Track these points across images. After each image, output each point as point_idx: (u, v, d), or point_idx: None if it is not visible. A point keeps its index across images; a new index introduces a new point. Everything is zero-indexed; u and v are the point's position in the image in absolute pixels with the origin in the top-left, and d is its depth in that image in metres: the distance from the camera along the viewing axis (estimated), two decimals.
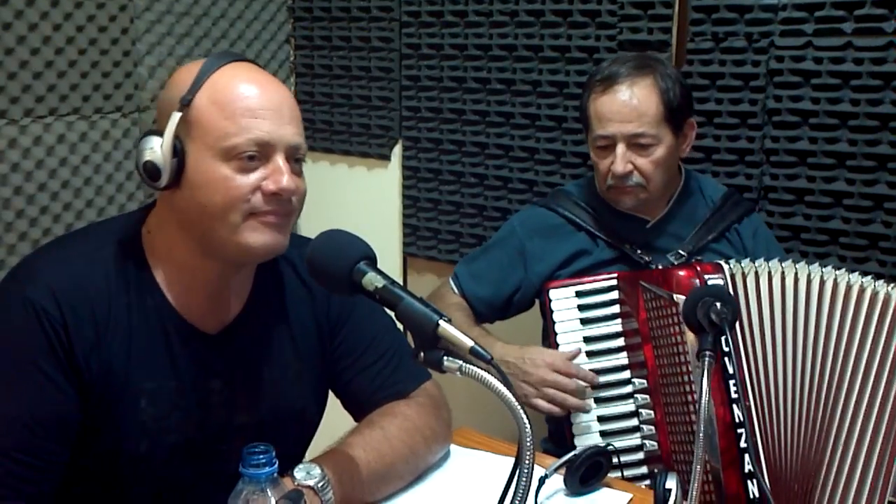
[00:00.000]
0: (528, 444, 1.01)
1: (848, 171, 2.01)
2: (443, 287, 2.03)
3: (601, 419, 1.71)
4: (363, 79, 2.80)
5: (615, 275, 1.78)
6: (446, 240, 2.70)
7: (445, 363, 1.05)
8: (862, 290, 1.55)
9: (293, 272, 1.39)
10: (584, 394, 1.71)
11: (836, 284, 1.56)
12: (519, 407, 1.01)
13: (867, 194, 2.00)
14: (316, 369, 1.41)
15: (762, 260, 1.62)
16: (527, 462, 1.01)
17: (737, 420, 1.49)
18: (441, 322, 1.05)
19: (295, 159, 1.24)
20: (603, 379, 1.73)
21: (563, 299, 1.79)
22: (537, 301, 1.95)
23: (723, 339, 1.28)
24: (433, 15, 2.59)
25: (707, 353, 1.19)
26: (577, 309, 1.78)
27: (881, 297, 1.55)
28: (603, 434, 1.70)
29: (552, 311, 1.79)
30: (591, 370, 1.74)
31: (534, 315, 1.99)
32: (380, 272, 1.12)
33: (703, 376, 1.16)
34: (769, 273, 1.59)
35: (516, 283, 1.93)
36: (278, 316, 1.37)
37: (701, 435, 1.15)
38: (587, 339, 1.76)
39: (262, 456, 0.99)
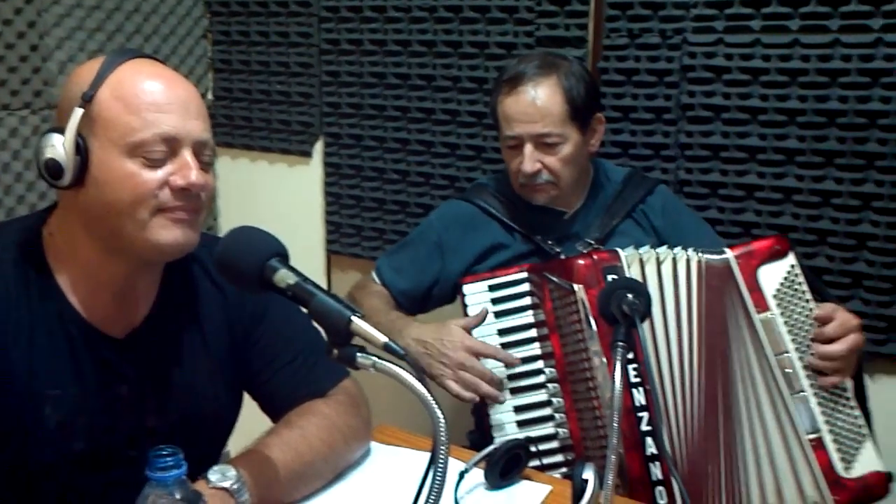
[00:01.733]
0: (443, 438, 1.00)
1: (759, 165, 2.07)
2: (364, 279, 2.03)
3: (517, 409, 1.73)
4: (283, 74, 2.77)
5: (526, 267, 1.80)
6: (369, 237, 2.69)
7: (359, 359, 1.04)
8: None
9: (203, 272, 1.36)
10: (501, 383, 1.72)
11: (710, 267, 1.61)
12: (433, 402, 1.01)
13: (777, 187, 2.06)
14: (229, 370, 1.38)
15: (665, 248, 1.66)
16: (441, 457, 1.01)
17: (638, 404, 1.53)
18: (354, 318, 1.04)
19: (203, 157, 1.21)
20: (517, 370, 1.74)
21: (476, 294, 1.80)
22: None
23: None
24: (352, 10, 2.57)
25: (619, 344, 1.21)
26: (490, 302, 1.79)
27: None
28: (519, 424, 1.72)
29: (466, 306, 1.81)
30: None
31: (457, 307, 1.99)
32: (292, 269, 1.10)
33: (615, 367, 1.18)
34: (672, 260, 1.63)
35: (434, 275, 1.94)
36: (188, 317, 1.34)
37: (615, 425, 1.16)
38: (501, 332, 1.77)
39: (168, 459, 0.96)
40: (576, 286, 1.60)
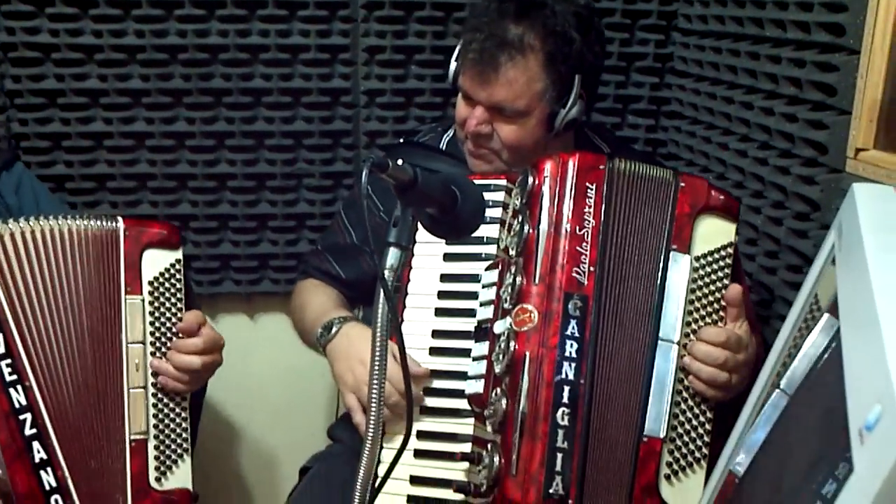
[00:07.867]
0: None
1: (149, 152, 1.92)
2: None
3: None
4: None
5: None
6: None
7: None
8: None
9: None
10: None
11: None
12: None
13: (172, 174, 1.94)
14: None
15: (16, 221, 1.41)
16: None
17: (17, 405, 1.34)
18: None
19: None
20: None
21: None
22: None
23: None
24: None
25: None
26: None
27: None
28: None
29: None
30: None
31: None
32: None
33: None
34: (11, 234, 1.39)
35: None
36: None
37: None
38: None
39: None
40: None
